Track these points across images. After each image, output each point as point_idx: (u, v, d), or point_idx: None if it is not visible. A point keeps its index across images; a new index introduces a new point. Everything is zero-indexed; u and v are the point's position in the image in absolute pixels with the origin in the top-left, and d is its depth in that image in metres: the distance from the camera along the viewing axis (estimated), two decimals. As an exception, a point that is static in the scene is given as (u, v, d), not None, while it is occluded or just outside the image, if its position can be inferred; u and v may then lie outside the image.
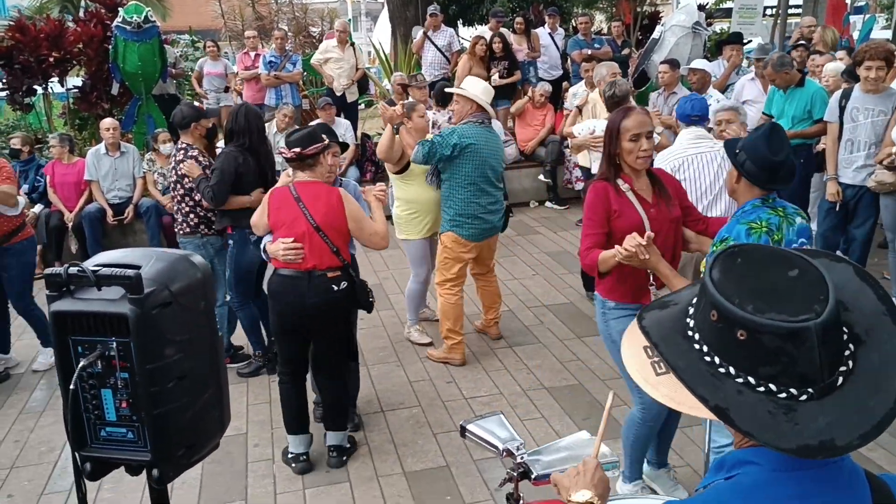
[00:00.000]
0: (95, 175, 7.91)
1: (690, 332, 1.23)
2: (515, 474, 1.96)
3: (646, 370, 1.31)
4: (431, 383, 5.17)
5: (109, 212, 7.94)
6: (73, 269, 1.59)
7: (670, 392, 1.26)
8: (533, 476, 1.92)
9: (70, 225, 8.06)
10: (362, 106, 12.01)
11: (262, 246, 4.08)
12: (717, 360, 1.19)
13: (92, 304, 1.60)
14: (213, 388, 1.74)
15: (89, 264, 1.62)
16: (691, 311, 1.25)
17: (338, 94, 10.02)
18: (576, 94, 8.44)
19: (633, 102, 5.50)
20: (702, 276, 1.32)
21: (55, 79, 10.58)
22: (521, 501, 2.03)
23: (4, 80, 10.30)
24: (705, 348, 1.20)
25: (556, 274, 7.25)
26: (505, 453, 1.99)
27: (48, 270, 1.62)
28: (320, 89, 11.30)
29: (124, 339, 1.60)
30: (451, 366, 5.36)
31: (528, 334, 5.88)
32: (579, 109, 7.05)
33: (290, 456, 4.22)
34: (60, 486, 4.20)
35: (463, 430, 2.10)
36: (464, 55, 10.12)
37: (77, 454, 1.70)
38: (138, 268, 1.60)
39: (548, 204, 9.74)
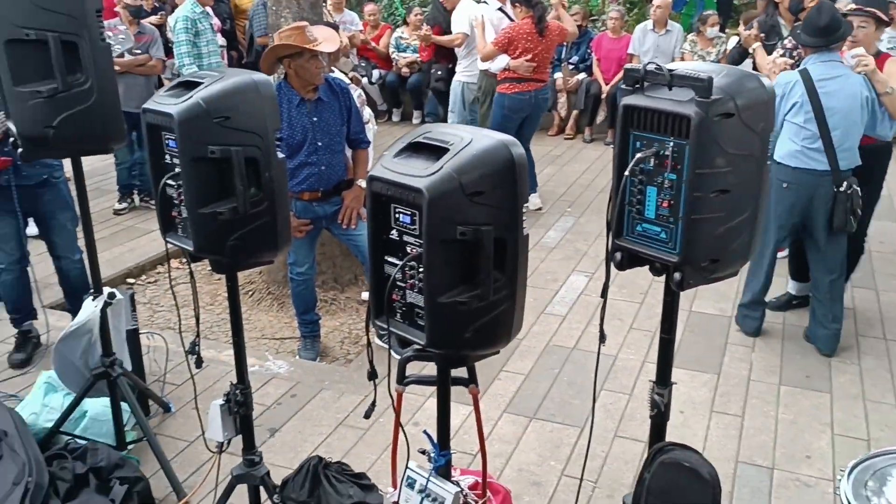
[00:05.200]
0: (638, 49, 8.24)
1: None
2: None
3: None
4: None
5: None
6: (650, 66, 1.70)
7: None
8: None
9: (604, 96, 8.62)
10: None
11: None
12: None
13: (659, 103, 1.70)
14: (750, 213, 1.74)
15: (665, 67, 1.71)
16: None
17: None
18: None
19: None
20: None
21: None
22: None
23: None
24: None
25: None
26: None
27: (628, 66, 1.76)
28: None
29: (681, 140, 1.67)
30: None
31: None
32: None
33: None
34: (557, 310, 4.75)
35: None
36: None
37: (612, 242, 1.88)
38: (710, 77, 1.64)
39: None
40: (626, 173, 1.74)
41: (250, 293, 5.07)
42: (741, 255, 1.80)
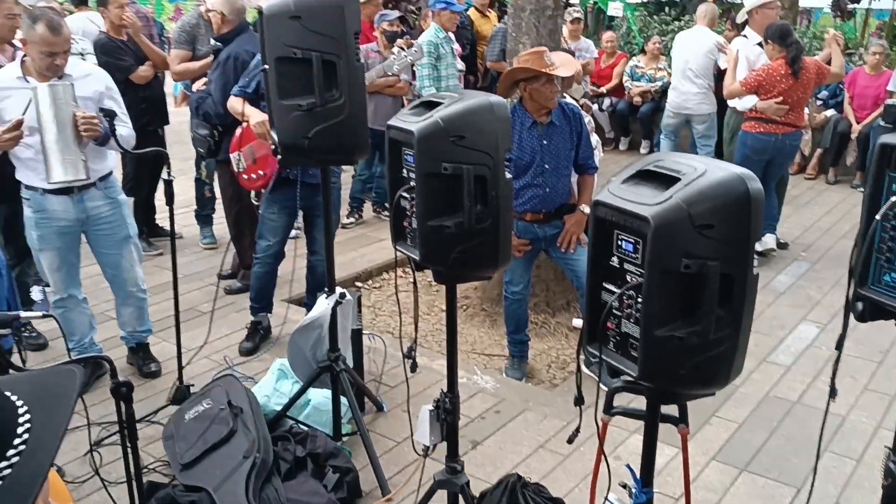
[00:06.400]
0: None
1: None
2: None
3: None
4: None
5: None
6: (915, 103, 1.57)
7: None
8: None
9: (855, 135, 7.94)
10: None
11: None
12: None
13: (923, 142, 1.57)
14: None
15: (933, 104, 1.57)
16: None
17: None
18: None
19: None
20: None
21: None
22: None
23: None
24: None
25: None
26: None
27: (889, 102, 1.63)
28: None
29: (945, 186, 1.53)
30: None
31: None
32: None
33: None
34: (781, 360, 4.43)
35: None
36: None
37: (854, 290, 1.74)
38: None
39: None
40: (878, 217, 1.61)
41: (465, 307, 5.23)
42: None
